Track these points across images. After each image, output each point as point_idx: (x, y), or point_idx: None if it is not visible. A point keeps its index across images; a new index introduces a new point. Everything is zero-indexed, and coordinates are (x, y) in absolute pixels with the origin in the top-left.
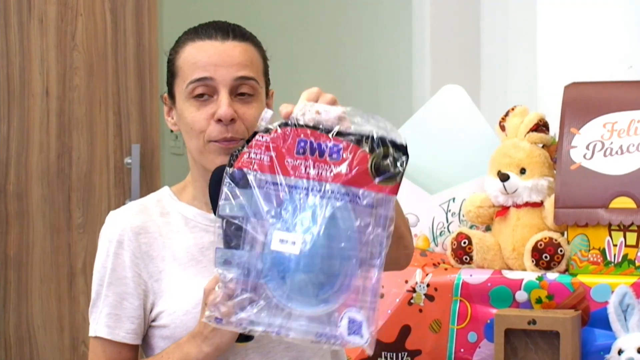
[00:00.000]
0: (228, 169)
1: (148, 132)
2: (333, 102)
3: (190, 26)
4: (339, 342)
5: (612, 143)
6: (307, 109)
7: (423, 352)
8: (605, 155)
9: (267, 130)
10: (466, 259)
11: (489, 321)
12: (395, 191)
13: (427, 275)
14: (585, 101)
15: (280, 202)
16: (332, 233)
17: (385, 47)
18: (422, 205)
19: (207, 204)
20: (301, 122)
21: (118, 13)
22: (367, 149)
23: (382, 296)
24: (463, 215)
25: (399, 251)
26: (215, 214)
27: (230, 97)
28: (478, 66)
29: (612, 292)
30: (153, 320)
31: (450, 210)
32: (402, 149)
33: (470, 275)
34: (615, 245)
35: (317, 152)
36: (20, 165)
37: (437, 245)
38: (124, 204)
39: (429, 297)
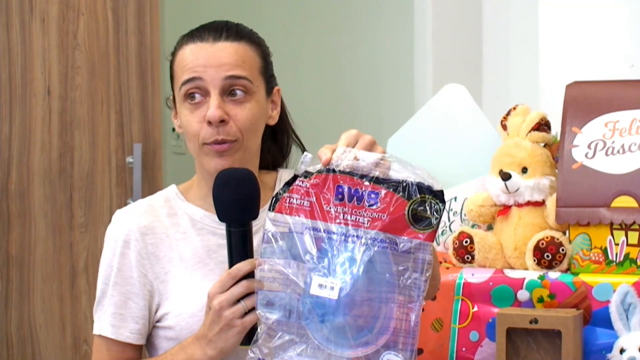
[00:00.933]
0: (269, 212)
1: (150, 131)
2: (372, 144)
3: (192, 25)
4: None
5: (613, 142)
6: (345, 155)
7: (425, 351)
8: (607, 154)
9: (306, 175)
10: (468, 258)
11: (490, 320)
12: (432, 238)
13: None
14: (587, 100)
15: (320, 247)
16: (371, 277)
17: (387, 46)
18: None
19: (213, 204)
20: (340, 169)
21: (120, 12)
22: (404, 196)
23: None
24: (465, 215)
25: (433, 291)
26: (219, 218)
27: (222, 97)
28: (480, 65)
29: (614, 291)
30: (158, 321)
31: (451, 210)
32: (439, 196)
33: (472, 275)
34: (617, 245)
35: (355, 199)
36: (22, 164)
37: (438, 245)
38: (125, 203)
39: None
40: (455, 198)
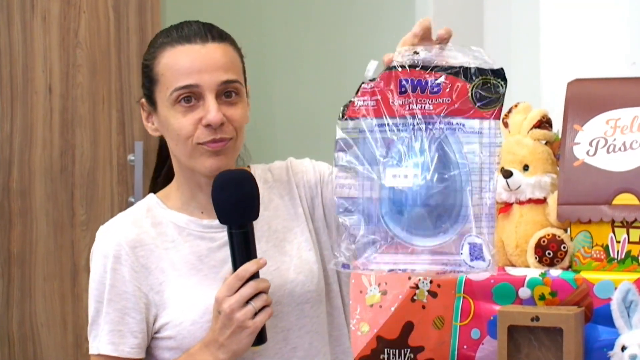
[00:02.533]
0: (338, 121)
1: None
2: (448, 33)
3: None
4: (464, 269)
5: (615, 140)
6: (405, 51)
7: (426, 348)
8: (608, 151)
9: (372, 80)
10: None
11: (492, 318)
12: (498, 115)
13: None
14: (588, 98)
15: (390, 142)
16: (443, 163)
17: (388, 46)
18: None
19: (197, 208)
20: (401, 64)
21: (121, 10)
22: (466, 79)
23: (385, 293)
24: None
25: None
26: (220, 220)
27: (217, 100)
28: None
29: (616, 288)
30: (157, 332)
31: None
32: (500, 75)
33: None
34: (618, 242)
35: (418, 89)
36: (23, 162)
37: None
38: (126, 201)
39: (432, 294)
40: None
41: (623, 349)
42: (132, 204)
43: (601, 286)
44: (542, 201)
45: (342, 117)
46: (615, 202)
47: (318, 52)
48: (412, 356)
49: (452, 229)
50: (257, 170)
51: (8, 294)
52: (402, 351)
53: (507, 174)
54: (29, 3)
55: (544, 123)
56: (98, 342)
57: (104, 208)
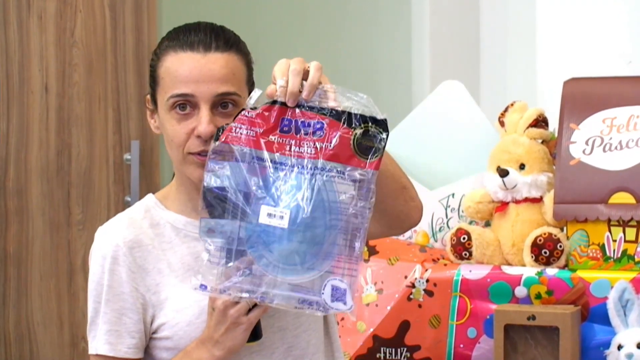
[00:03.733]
0: (214, 142)
1: (147, 128)
2: (318, 69)
3: (188, 22)
4: (322, 309)
5: (611, 138)
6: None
7: (422, 347)
8: (604, 150)
9: (254, 108)
10: (465, 254)
11: (488, 317)
12: (377, 166)
13: (426, 270)
14: (585, 96)
15: (266, 176)
16: (317, 205)
17: (384, 43)
18: (422, 201)
19: (194, 210)
20: (283, 100)
21: (117, 9)
22: (349, 125)
23: (381, 291)
24: (462, 211)
25: (407, 203)
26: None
27: (212, 110)
28: (477, 62)
29: (612, 287)
30: (154, 333)
31: (449, 206)
32: (382, 125)
33: (470, 271)
34: (614, 241)
35: (301, 130)
36: (19, 162)
37: (436, 241)
38: (123, 200)
39: (429, 293)
40: (453, 195)
41: (619, 347)
42: (128, 203)
43: (597, 285)
44: (539, 200)
45: (217, 139)
46: (611, 201)
47: (312, 52)
48: (408, 355)
49: (318, 265)
50: None
51: (4, 293)
52: (399, 350)
53: (503, 173)
54: (25, 2)
55: (540, 122)
56: (96, 342)
57: (100, 207)
